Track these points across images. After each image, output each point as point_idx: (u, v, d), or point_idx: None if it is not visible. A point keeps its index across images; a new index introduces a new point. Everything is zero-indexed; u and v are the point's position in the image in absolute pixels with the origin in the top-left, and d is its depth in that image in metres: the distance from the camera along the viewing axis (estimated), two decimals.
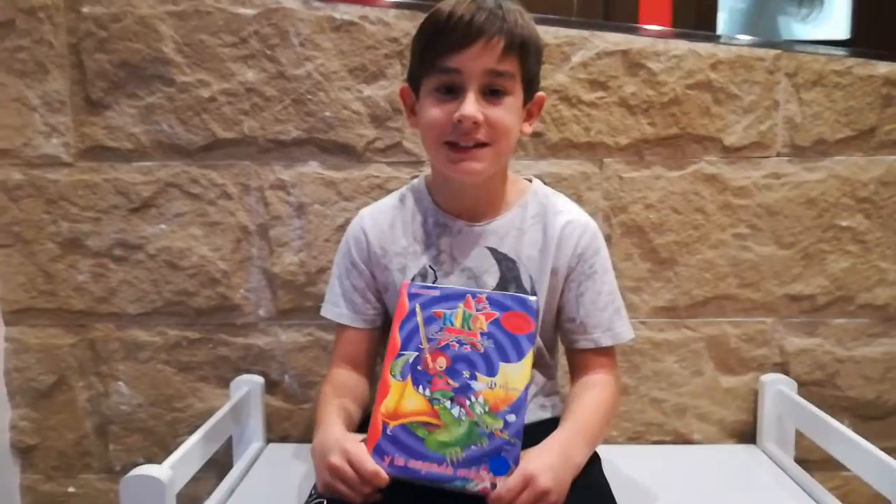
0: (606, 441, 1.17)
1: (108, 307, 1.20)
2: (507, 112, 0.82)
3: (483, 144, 0.82)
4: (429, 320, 0.78)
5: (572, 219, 0.90)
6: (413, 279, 0.89)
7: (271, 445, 1.18)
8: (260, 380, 1.18)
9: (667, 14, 2.25)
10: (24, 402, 1.22)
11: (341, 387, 0.91)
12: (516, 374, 0.74)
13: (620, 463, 1.07)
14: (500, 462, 0.71)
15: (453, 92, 0.81)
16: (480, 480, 0.71)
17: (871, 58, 1.16)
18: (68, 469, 1.23)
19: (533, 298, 0.79)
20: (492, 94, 0.81)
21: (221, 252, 1.18)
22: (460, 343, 0.76)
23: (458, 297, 0.78)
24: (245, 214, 1.18)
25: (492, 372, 0.75)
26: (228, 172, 1.17)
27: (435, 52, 0.81)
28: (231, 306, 1.19)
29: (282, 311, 1.19)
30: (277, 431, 1.21)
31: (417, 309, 0.78)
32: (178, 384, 1.21)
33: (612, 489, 0.84)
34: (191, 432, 0.99)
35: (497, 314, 0.77)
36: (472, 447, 0.72)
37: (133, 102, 1.15)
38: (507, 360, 0.75)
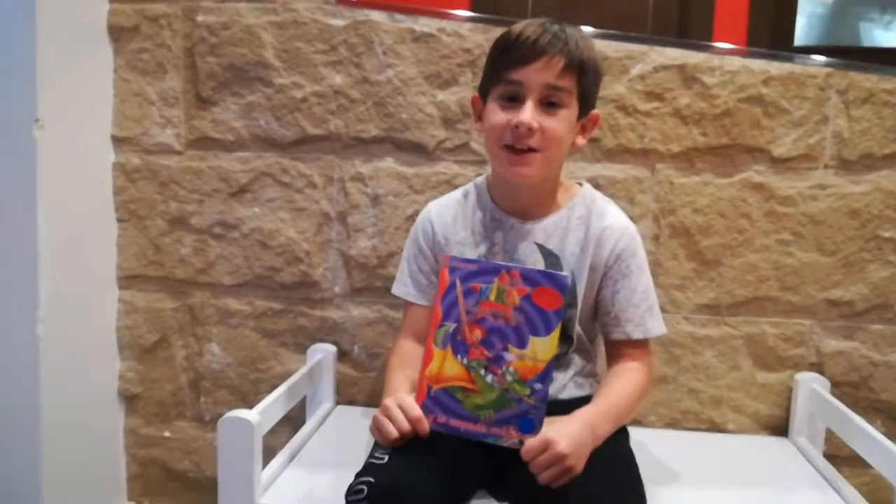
0: (644, 425, 1.27)
1: (207, 278, 1.36)
2: (560, 123, 0.93)
3: (534, 150, 0.92)
4: (467, 294, 0.84)
5: (613, 222, 1.00)
6: None
7: (339, 407, 1.32)
8: (333, 348, 1.31)
9: (743, 26, 2.28)
10: (131, 355, 1.39)
11: (406, 358, 1.03)
12: (544, 347, 0.82)
13: (657, 446, 1.16)
14: (527, 422, 0.81)
15: (515, 101, 0.93)
16: (510, 437, 0.82)
17: None
18: (165, 416, 1.40)
19: (564, 274, 0.84)
20: (549, 105, 0.92)
21: (305, 234, 1.33)
22: (494, 316, 0.83)
23: (494, 271, 0.84)
24: (327, 202, 1.32)
25: (522, 344, 0.82)
26: (315, 165, 1.31)
27: (502, 65, 0.93)
28: (311, 282, 1.33)
29: (355, 289, 1.33)
30: (346, 395, 1.34)
31: (457, 283, 0.85)
32: (262, 348, 1.36)
33: (648, 470, 0.92)
34: (270, 391, 1.11)
35: (529, 290, 0.83)
36: (503, 410, 0.82)
37: (236, 100, 1.31)
38: (536, 333, 0.82)
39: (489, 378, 0.83)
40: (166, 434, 1.40)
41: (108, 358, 1.38)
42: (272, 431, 1.11)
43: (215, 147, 1.33)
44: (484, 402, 0.82)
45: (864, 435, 1.02)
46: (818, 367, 1.25)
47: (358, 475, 0.83)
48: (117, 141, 1.35)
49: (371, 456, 0.86)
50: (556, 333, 0.82)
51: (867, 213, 1.21)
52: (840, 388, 1.23)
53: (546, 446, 0.79)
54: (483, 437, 0.83)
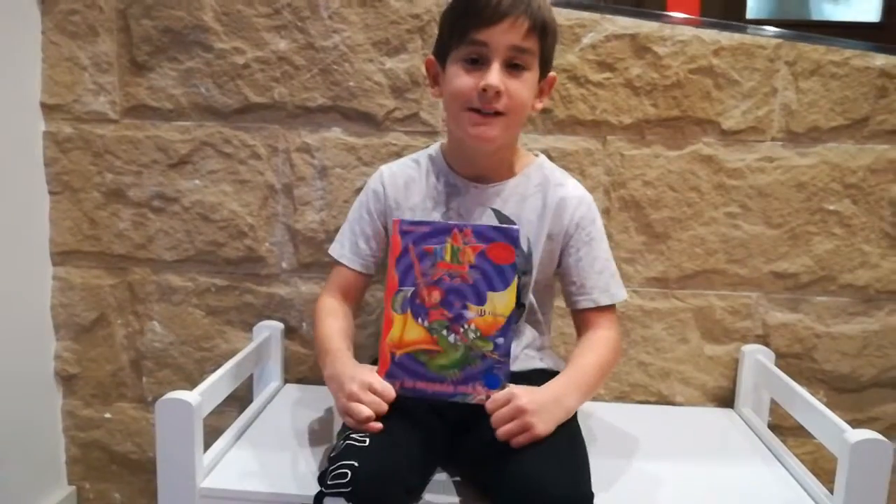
0: (594, 398, 1.27)
1: (146, 253, 1.30)
2: (524, 85, 0.92)
3: (500, 113, 0.91)
4: (421, 256, 0.85)
5: (570, 191, 1.00)
6: None
7: (288, 385, 1.29)
8: (280, 325, 1.28)
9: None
10: (67, 335, 1.34)
11: (336, 311, 1.02)
12: (503, 302, 0.83)
13: (607, 419, 1.17)
14: (493, 378, 0.83)
15: (478, 63, 0.91)
16: (477, 394, 0.83)
17: (870, 49, 1.21)
18: (105, 397, 1.35)
19: (515, 227, 0.85)
20: (513, 67, 0.91)
21: (250, 208, 1.28)
22: (451, 276, 0.84)
23: (446, 231, 0.85)
24: (272, 174, 1.27)
25: (481, 301, 0.83)
26: (259, 135, 1.26)
27: (466, 25, 0.90)
28: (256, 258, 1.29)
29: (302, 264, 1.29)
30: (294, 373, 1.31)
31: (410, 247, 0.85)
32: (207, 326, 1.32)
33: (597, 443, 0.94)
34: (216, 370, 1.08)
35: (483, 246, 0.84)
36: (468, 367, 0.83)
37: (174, 66, 1.25)
38: (493, 289, 0.83)
39: (451, 337, 0.83)
40: (107, 415, 1.35)
41: (44, 338, 1.32)
42: (219, 412, 1.08)
43: (153, 116, 1.27)
44: (448, 362, 0.83)
45: (806, 405, 1.04)
46: (764, 339, 1.26)
47: (336, 458, 0.78)
48: (47, 108, 1.27)
49: (347, 438, 0.81)
50: (513, 287, 0.83)
51: (813, 185, 1.23)
52: (785, 359, 1.26)
53: (509, 398, 0.81)
54: (450, 397, 0.83)
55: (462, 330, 0.83)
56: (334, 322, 0.99)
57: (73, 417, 1.36)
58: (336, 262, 1.06)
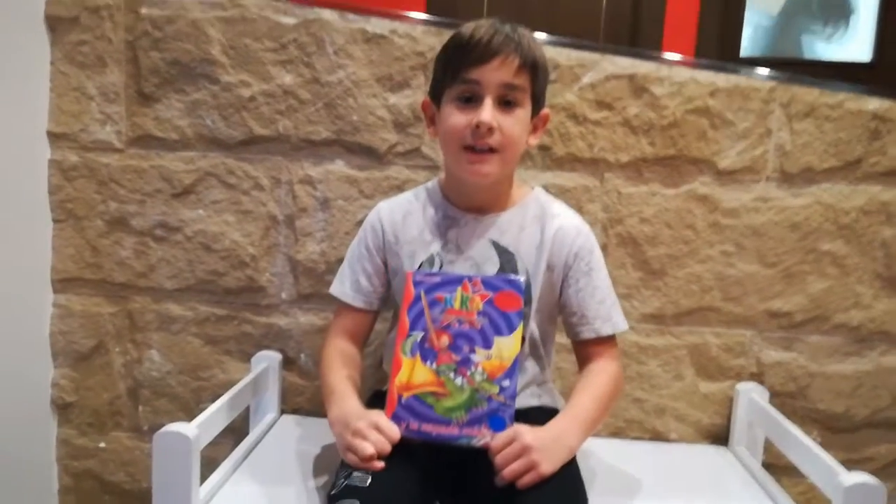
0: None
1: (147, 282, 1.31)
2: (517, 122, 0.94)
3: (494, 150, 0.93)
4: (432, 304, 0.89)
5: (567, 222, 1.02)
6: (421, 265, 1.00)
7: (285, 416, 1.29)
8: (278, 356, 1.28)
9: (691, 36, 2.33)
10: (65, 362, 1.33)
11: (343, 354, 1.03)
12: (509, 346, 0.86)
13: (601, 455, 1.17)
14: (498, 420, 0.84)
15: (472, 101, 0.93)
16: (482, 437, 0.83)
17: (864, 93, 1.24)
18: (101, 426, 1.34)
19: (521, 279, 0.91)
20: (505, 104, 0.93)
21: (251, 238, 1.29)
22: (460, 322, 0.88)
23: (457, 281, 0.91)
24: (275, 205, 1.28)
25: (488, 345, 0.86)
26: (262, 166, 1.28)
27: (458, 65, 0.93)
28: (257, 288, 1.30)
29: (302, 295, 1.30)
30: (291, 404, 1.31)
31: (422, 294, 0.89)
32: (205, 356, 1.32)
33: (592, 479, 0.94)
34: (213, 400, 1.08)
35: (490, 294, 0.89)
36: (474, 410, 0.84)
37: (181, 97, 1.26)
38: (500, 333, 0.87)
39: (458, 380, 0.85)
40: (102, 445, 1.34)
41: (41, 364, 1.32)
42: (213, 442, 1.08)
43: (158, 146, 1.28)
44: (455, 405, 0.84)
45: (799, 445, 1.04)
46: (758, 377, 1.27)
47: (337, 497, 0.79)
48: (54, 137, 1.29)
49: (348, 476, 0.82)
50: (518, 332, 0.87)
51: (807, 225, 1.24)
52: (779, 397, 1.26)
53: (513, 437, 0.81)
54: (456, 440, 0.84)
55: (469, 373, 0.85)
56: (340, 366, 1.00)
57: (67, 446, 1.35)
58: (338, 302, 1.07)
